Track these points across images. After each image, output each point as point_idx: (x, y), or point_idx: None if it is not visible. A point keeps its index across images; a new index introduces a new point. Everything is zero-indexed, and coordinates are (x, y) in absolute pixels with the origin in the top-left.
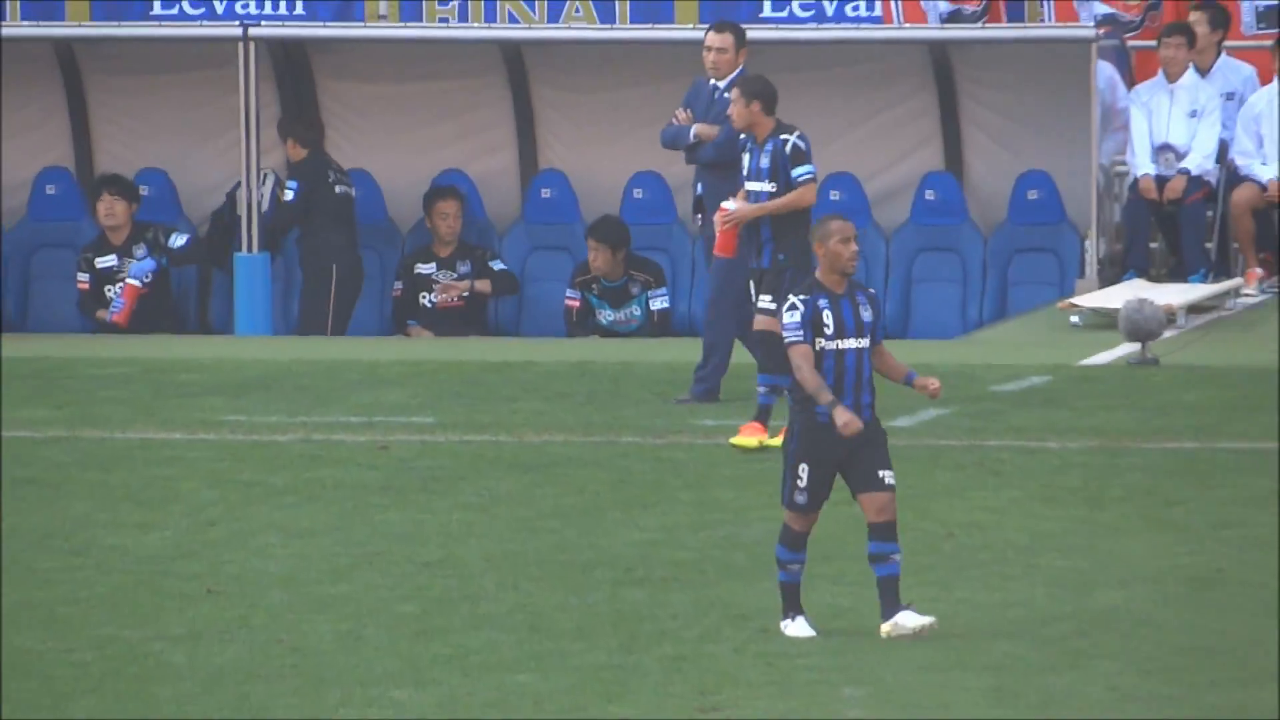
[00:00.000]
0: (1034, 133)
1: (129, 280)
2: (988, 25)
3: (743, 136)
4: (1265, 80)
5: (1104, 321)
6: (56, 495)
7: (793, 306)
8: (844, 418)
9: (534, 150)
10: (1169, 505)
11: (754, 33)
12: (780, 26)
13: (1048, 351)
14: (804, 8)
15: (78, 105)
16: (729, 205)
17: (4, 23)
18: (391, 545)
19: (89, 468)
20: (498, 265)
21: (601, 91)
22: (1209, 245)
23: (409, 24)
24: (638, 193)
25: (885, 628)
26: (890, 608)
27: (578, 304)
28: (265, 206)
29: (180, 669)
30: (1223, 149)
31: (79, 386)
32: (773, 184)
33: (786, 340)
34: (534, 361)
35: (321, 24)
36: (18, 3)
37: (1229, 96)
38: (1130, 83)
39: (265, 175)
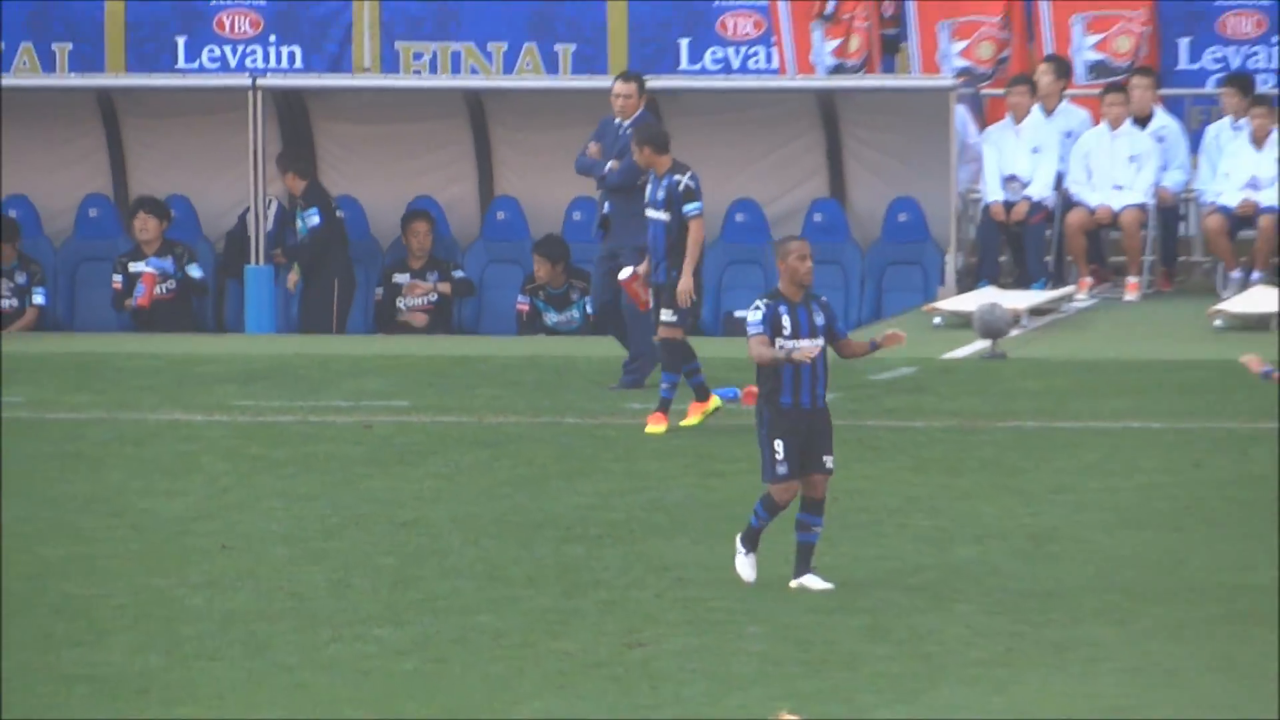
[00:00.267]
0: (903, 165)
1: (147, 269)
2: (866, 76)
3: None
4: (1096, 122)
5: (961, 322)
6: (98, 467)
7: (756, 308)
8: (804, 348)
9: (491, 180)
10: (1014, 474)
11: (674, 82)
12: (695, 77)
13: (915, 347)
14: (715, 62)
15: (115, 142)
16: (625, 273)
17: (56, 74)
18: (374, 508)
19: (125, 444)
20: (458, 274)
21: (547, 131)
22: (1048, 259)
23: (389, 75)
24: (576, 215)
25: (793, 583)
26: (802, 568)
27: (527, 308)
28: (270, 227)
29: (199, 611)
30: (1059, 179)
31: (116, 376)
32: (666, 213)
33: (749, 333)
34: (491, 356)
35: (317, 75)
36: (66, 57)
37: (1067, 135)
38: (983, 124)
39: (270, 201)
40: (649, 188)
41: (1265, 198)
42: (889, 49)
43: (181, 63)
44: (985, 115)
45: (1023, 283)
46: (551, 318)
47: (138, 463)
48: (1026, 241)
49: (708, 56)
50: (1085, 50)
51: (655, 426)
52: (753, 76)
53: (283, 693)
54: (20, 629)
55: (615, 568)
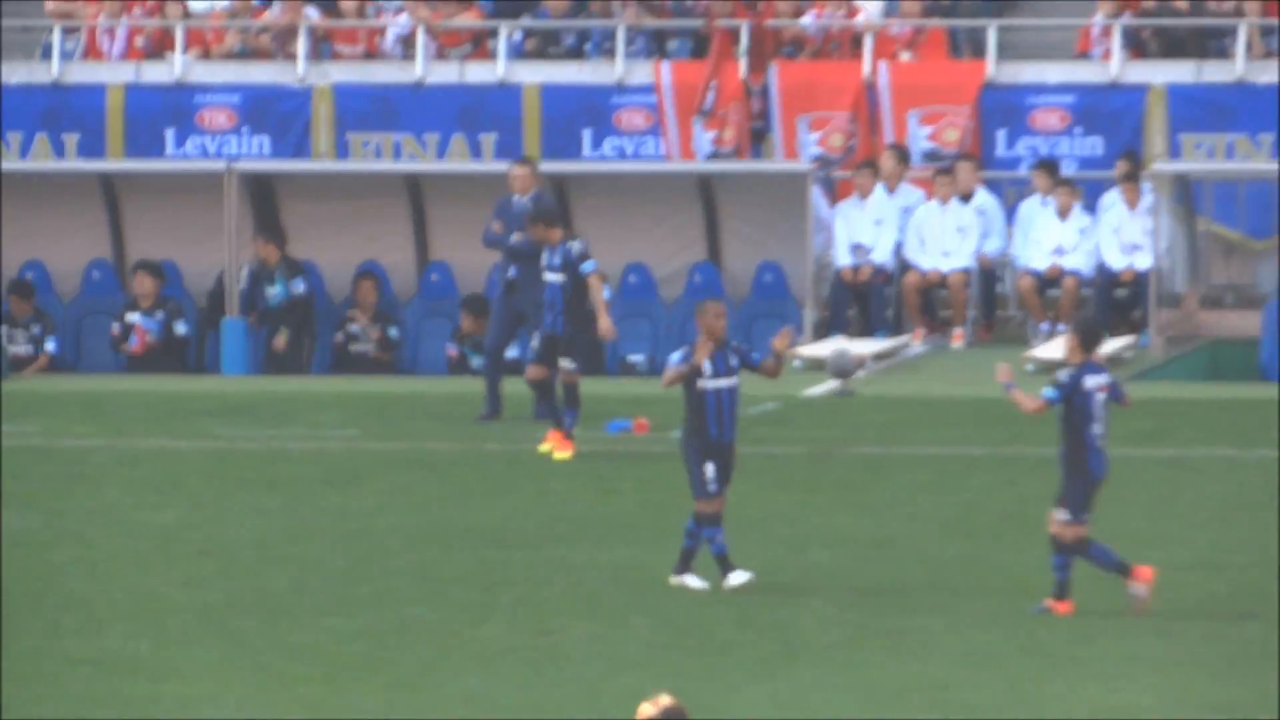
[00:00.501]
0: (768, 235)
1: (139, 324)
2: (737, 160)
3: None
4: (928, 199)
5: (817, 365)
6: (99, 486)
7: (679, 351)
8: (699, 352)
9: (426, 247)
10: (860, 491)
11: (579, 167)
12: (597, 162)
13: (778, 386)
14: (613, 149)
15: (114, 216)
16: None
17: (66, 159)
18: (327, 520)
19: (121, 466)
20: (392, 331)
21: (474, 207)
22: (888, 313)
23: (341, 160)
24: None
25: (673, 580)
26: (682, 568)
27: (456, 354)
28: (243, 285)
29: (182, 604)
30: (898, 247)
31: (115, 409)
32: (563, 275)
33: (668, 367)
34: (426, 393)
35: (282, 161)
36: (74, 145)
37: (905, 210)
38: (834, 200)
39: (243, 265)
40: (545, 255)
41: (1068, 262)
42: (757, 139)
43: (170, 150)
44: (836, 193)
45: (867, 333)
46: (475, 362)
47: (131, 482)
48: (870, 299)
49: (606, 145)
50: (920, 140)
51: (561, 453)
52: (644, 161)
53: (251, 672)
54: (32, 620)
55: (526, 569)
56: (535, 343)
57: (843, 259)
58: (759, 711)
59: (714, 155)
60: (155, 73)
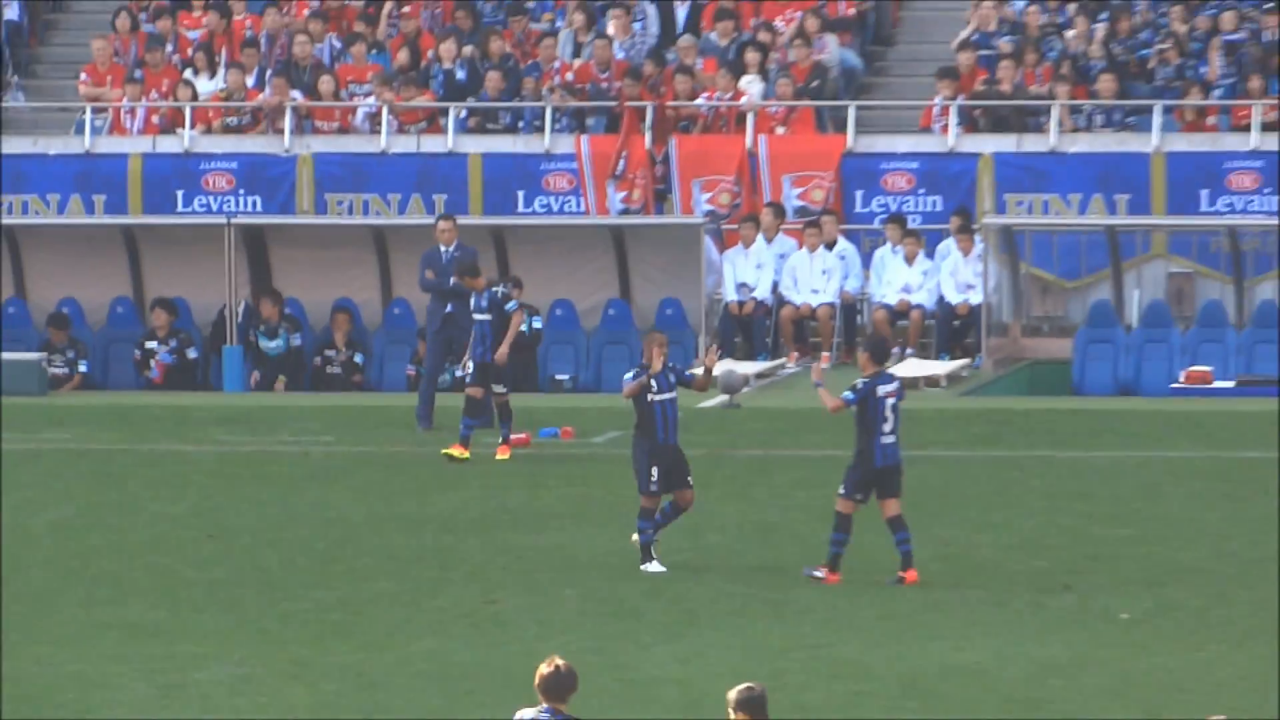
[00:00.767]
0: (670, 276)
1: (159, 359)
2: (644, 216)
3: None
4: (800, 246)
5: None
6: (124, 483)
7: (630, 371)
8: (655, 365)
9: (390, 287)
10: (746, 486)
11: (514, 220)
12: (528, 217)
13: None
14: (542, 206)
15: (135, 261)
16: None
17: (95, 215)
18: (311, 510)
19: (141, 466)
20: (358, 357)
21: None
22: (768, 339)
23: (320, 216)
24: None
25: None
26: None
27: (414, 374)
28: (240, 319)
29: (193, 580)
30: (775, 286)
31: (137, 419)
32: (489, 314)
33: (625, 382)
34: (390, 406)
35: (272, 216)
36: (102, 205)
37: (781, 256)
38: (722, 247)
39: (241, 302)
40: (474, 299)
41: (914, 298)
42: (659, 198)
43: (180, 208)
44: (724, 242)
45: (751, 356)
46: None
47: (150, 479)
48: (754, 328)
49: (536, 203)
50: (792, 199)
51: (502, 455)
52: (567, 217)
53: (250, 635)
54: (69, 593)
55: (475, 550)
56: (471, 369)
57: (730, 296)
58: (666, 667)
59: (624, 211)
60: (168, 144)
